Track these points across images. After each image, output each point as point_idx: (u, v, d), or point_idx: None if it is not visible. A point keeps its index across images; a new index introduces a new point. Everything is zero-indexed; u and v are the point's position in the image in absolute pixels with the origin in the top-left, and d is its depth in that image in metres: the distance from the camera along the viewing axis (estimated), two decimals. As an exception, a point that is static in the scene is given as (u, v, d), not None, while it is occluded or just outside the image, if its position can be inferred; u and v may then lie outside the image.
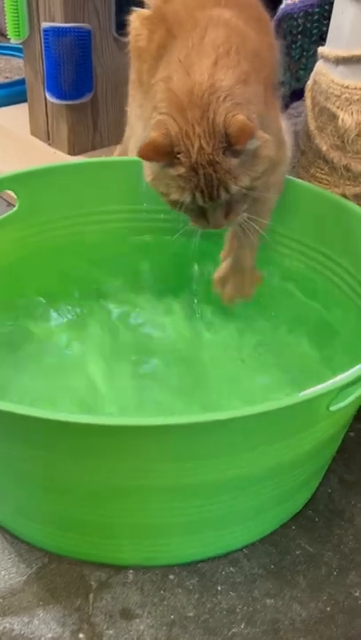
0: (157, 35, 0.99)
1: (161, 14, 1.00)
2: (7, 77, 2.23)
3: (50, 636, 0.80)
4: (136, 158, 1.17)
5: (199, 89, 0.87)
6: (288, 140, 1.08)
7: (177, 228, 1.09)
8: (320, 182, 1.18)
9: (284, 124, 1.07)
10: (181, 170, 0.88)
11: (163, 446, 0.73)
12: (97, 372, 1.06)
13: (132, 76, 1.18)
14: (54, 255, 1.14)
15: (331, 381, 0.73)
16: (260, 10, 1.06)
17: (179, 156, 0.88)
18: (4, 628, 0.81)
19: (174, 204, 0.93)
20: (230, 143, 0.87)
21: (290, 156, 1.10)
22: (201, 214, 0.93)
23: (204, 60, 0.89)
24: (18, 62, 2.31)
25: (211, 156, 0.87)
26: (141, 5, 1.09)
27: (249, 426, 0.73)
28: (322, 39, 1.35)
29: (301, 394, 0.72)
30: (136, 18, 1.08)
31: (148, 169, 0.94)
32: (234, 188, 0.89)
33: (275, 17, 1.55)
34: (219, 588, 0.85)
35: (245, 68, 0.91)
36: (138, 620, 0.82)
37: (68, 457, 0.76)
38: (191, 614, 0.83)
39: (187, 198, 0.90)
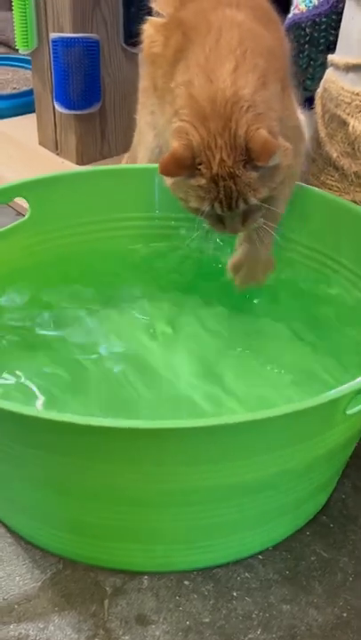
0: (173, 39, 1.00)
1: (177, 20, 1.01)
2: (15, 88, 2.24)
3: (65, 641, 0.80)
4: (146, 165, 1.18)
5: (222, 97, 0.87)
6: (305, 132, 1.09)
7: (189, 234, 1.11)
8: (330, 189, 1.18)
9: (302, 117, 1.07)
10: (202, 181, 0.89)
11: (179, 450, 0.73)
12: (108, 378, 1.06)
13: (144, 83, 1.18)
14: (65, 262, 1.14)
15: (348, 385, 0.73)
16: (271, 11, 1.07)
17: (200, 167, 0.89)
18: (20, 634, 0.80)
19: (193, 210, 0.93)
20: (251, 158, 0.87)
21: (307, 148, 1.11)
22: (219, 220, 0.93)
23: (225, 64, 0.89)
24: (25, 73, 2.32)
25: (231, 169, 0.88)
26: (151, 14, 1.10)
27: (266, 429, 0.73)
28: (329, 49, 1.36)
29: (319, 397, 0.73)
30: (150, 26, 1.08)
31: None
32: (253, 200, 0.90)
33: (282, 26, 1.56)
34: (234, 594, 0.85)
35: (262, 67, 0.91)
36: (153, 626, 0.82)
37: (84, 461, 0.76)
38: (207, 620, 0.82)
39: (206, 207, 0.91)
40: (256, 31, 0.98)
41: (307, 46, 1.67)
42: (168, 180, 0.94)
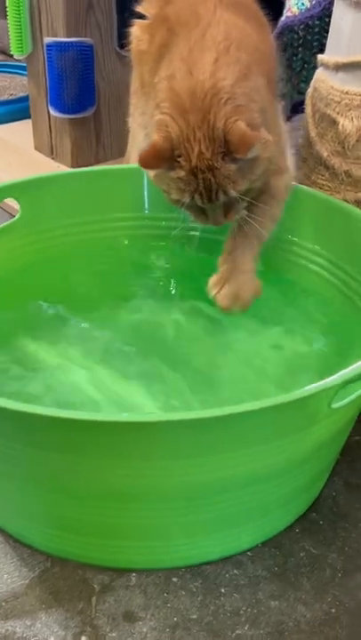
0: (158, 35, 1.00)
1: (162, 17, 1.01)
2: (12, 94, 2.25)
3: (52, 639, 0.80)
4: (135, 165, 1.18)
5: (201, 89, 0.88)
6: (289, 153, 1.09)
7: (179, 233, 1.11)
8: (321, 188, 1.19)
9: (285, 137, 1.07)
10: (181, 173, 0.89)
11: (165, 443, 0.73)
12: (105, 376, 1.05)
13: (134, 84, 1.19)
14: (56, 263, 1.15)
15: (331, 378, 0.73)
16: (260, 13, 1.08)
17: (179, 159, 0.89)
18: (7, 631, 0.80)
19: (175, 202, 0.93)
20: (230, 151, 0.87)
21: (292, 170, 1.10)
22: (201, 212, 0.94)
23: (205, 56, 0.90)
24: (22, 80, 2.33)
25: (210, 162, 0.88)
26: (142, 18, 1.11)
27: (249, 422, 0.72)
28: (322, 51, 1.36)
29: (302, 390, 0.72)
30: (137, 27, 1.10)
31: None
32: (232, 193, 0.90)
33: (275, 30, 1.56)
34: (222, 591, 0.85)
35: (245, 61, 0.91)
36: (141, 623, 0.81)
37: (71, 457, 0.75)
38: (195, 616, 0.82)
39: (186, 199, 0.91)
40: (244, 29, 0.99)
41: (300, 49, 1.68)
42: (150, 173, 0.95)
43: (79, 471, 0.77)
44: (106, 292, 1.17)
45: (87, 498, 0.80)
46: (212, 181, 0.89)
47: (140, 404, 0.98)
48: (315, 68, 1.27)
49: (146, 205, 1.18)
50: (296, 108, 1.50)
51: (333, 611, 0.83)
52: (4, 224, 1.12)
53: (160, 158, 0.89)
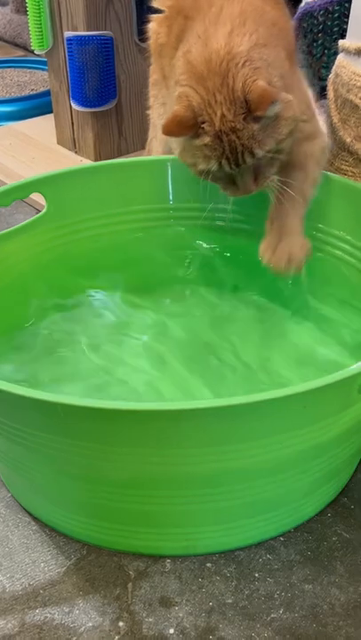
0: (176, 25, 1.01)
1: (177, 8, 1.02)
2: (33, 90, 2.26)
3: (90, 624, 0.81)
4: (159, 157, 1.19)
5: (217, 56, 0.88)
6: (320, 119, 1.09)
7: (203, 223, 1.12)
8: (345, 174, 1.19)
9: (315, 105, 1.07)
10: (207, 139, 0.90)
11: (199, 431, 0.73)
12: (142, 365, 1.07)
13: (154, 76, 1.20)
14: (83, 255, 1.16)
15: (358, 364, 0.74)
16: None
17: (203, 125, 0.90)
18: (45, 617, 0.82)
19: (202, 173, 0.94)
20: (251, 110, 0.88)
21: (325, 134, 1.11)
22: (230, 181, 0.94)
23: (219, 29, 0.91)
24: (43, 75, 2.35)
25: (233, 123, 0.88)
26: (158, 12, 1.11)
27: (278, 409, 0.73)
28: (343, 37, 1.36)
29: (330, 376, 0.73)
30: (154, 22, 1.11)
31: (175, 142, 0.96)
32: (259, 153, 0.90)
33: (295, 16, 1.56)
34: (256, 575, 0.86)
35: (263, 33, 0.92)
36: (177, 608, 0.82)
37: (104, 446, 0.76)
38: (230, 601, 0.83)
39: (213, 166, 0.92)
40: (260, 6, 0.99)
41: (320, 35, 1.68)
42: (176, 149, 0.96)
43: (112, 460, 0.78)
44: (132, 283, 1.18)
45: (121, 486, 0.81)
46: (236, 143, 0.89)
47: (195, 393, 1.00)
48: (335, 53, 1.27)
49: (170, 197, 1.19)
50: (318, 94, 1.50)
51: (367, 593, 0.84)
52: (31, 219, 1.13)
53: (183, 126, 0.89)
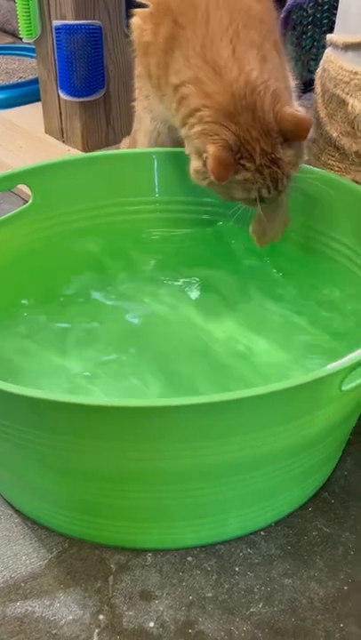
0: (164, 27, 1.00)
1: (164, 7, 1.01)
2: (21, 77, 2.25)
3: (71, 617, 0.81)
4: (145, 150, 1.19)
5: (238, 90, 0.90)
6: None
7: (189, 217, 1.12)
8: (331, 169, 1.19)
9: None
10: (247, 175, 0.92)
11: (179, 427, 0.74)
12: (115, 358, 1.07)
13: (138, 69, 1.19)
14: (68, 247, 1.16)
15: (342, 360, 0.74)
16: None
17: (242, 162, 0.91)
18: (26, 610, 0.82)
19: (236, 200, 0.96)
20: (287, 138, 0.91)
21: None
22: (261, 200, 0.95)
23: (221, 51, 0.91)
24: (31, 62, 2.33)
25: (273, 155, 0.91)
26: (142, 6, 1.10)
27: (259, 406, 0.73)
28: (332, 29, 1.36)
29: (313, 373, 0.73)
30: (138, 17, 1.08)
31: (201, 175, 0.96)
32: (294, 175, 0.94)
33: (284, 8, 1.56)
34: (237, 569, 0.86)
35: (257, 41, 0.94)
36: (157, 601, 0.83)
37: (85, 440, 0.77)
38: (210, 595, 0.84)
39: (253, 195, 0.93)
40: (242, 2, 0.99)
41: (310, 27, 1.68)
42: (203, 180, 0.96)
43: (92, 455, 0.78)
44: (117, 276, 1.18)
45: (101, 481, 0.82)
46: (278, 173, 0.92)
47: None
48: (325, 46, 1.27)
49: (156, 190, 1.18)
50: (306, 87, 1.50)
51: (346, 588, 0.84)
52: (17, 210, 1.12)
53: (229, 166, 0.91)
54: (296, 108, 0.93)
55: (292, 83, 1.06)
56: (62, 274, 1.16)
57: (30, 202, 1.13)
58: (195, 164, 0.96)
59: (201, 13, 0.95)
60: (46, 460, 0.82)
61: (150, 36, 1.04)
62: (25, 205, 1.13)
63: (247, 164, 0.91)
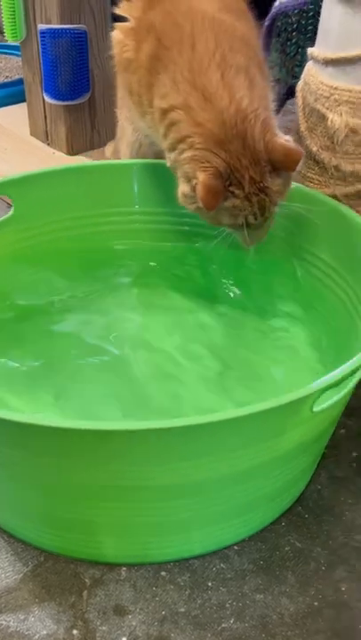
0: (147, 45, 1.00)
1: (146, 24, 1.01)
2: (7, 77, 2.25)
3: (45, 632, 0.83)
4: (126, 161, 1.20)
5: (228, 117, 0.91)
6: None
7: (171, 228, 1.13)
8: (311, 182, 1.20)
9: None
10: (236, 202, 0.93)
11: (147, 449, 0.75)
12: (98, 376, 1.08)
13: (120, 82, 1.19)
14: (47, 258, 1.16)
15: (313, 384, 0.75)
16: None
17: (231, 188, 0.92)
18: (0, 625, 0.83)
19: (224, 225, 0.97)
20: (275, 167, 0.93)
21: None
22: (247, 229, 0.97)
23: (211, 78, 0.93)
24: (18, 61, 2.32)
25: (261, 184, 0.92)
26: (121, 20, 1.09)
27: (231, 428, 0.75)
28: (317, 35, 1.37)
29: (285, 396, 0.75)
30: (119, 31, 1.08)
31: (190, 199, 0.97)
32: (281, 202, 0.95)
33: (268, 16, 1.57)
34: (209, 584, 0.88)
35: (243, 64, 0.95)
36: (130, 616, 0.84)
37: (56, 459, 0.78)
38: (182, 610, 0.85)
39: (240, 221, 0.95)
40: (226, 23, 1.00)
41: (294, 34, 1.68)
42: (191, 205, 0.97)
43: (64, 474, 0.79)
44: (97, 286, 1.19)
45: (74, 499, 0.83)
46: (265, 200, 0.93)
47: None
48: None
49: (136, 200, 1.19)
50: (291, 94, 1.51)
51: (316, 604, 0.86)
52: (-1, 220, 1.13)
53: (219, 195, 0.92)
54: (285, 138, 0.94)
55: (272, 105, 1.05)
56: (41, 284, 1.17)
57: (11, 213, 1.14)
58: (183, 188, 0.97)
59: (186, 35, 0.95)
60: (16, 477, 0.83)
61: (132, 53, 1.04)
62: (6, 216, 1.14)
63: (236, 192, 0.92)
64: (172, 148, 0.97)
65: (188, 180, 0.95)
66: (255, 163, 0.91)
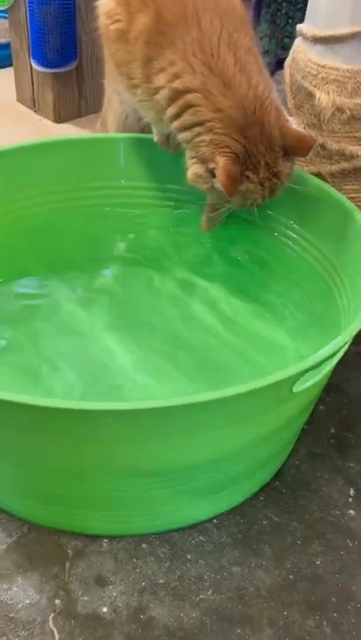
0: (143, 16, 0.98)
1: None
2: (-5, 40, 2.22)
3: (27, 602, 0.85)
4: (111, 135, 1.20)
5: (248, 104, 0.94)
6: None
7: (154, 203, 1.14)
8: (297, 159, 1.20)
9: None
10: (250, 186, 0.96)
11: (133, 428, 0.77)
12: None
13: (107, 53, 1.17)
14: (29, 232, 1.17)
15: (294, 366, 0.77)
16: None
17: (246, 173, 0.95)
18: (-15, 594, 0.86)
19: (230, 204, 1.00)
20: (287, 152, 0.96)
21: None
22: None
23: (226, 60, 0.94)
24: (4, 24, 2.29)
25: (275, 169, 0.95)
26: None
27: (214, 409, 0.76)
28: (305, 6, 1.36)
29: (266, 378, 0.76)
30: (108, 0, 1.04)
31: (202, 179, 0.99)
32: (287, 184, 0.98)
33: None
34: (188, 557, 0.90)
35: (250, 45, 0.97)
36: (111, 587, 0.87)
37: (39, 437, 0.79)
38: (162, 581, 0.87)
39: (249, 203, 0.98)
40: (225, 1, 1.00)
41: (284, 4, 1.68)
42: (204, 184, 0.99)
43: (47, 450, 0.81)
44: (82, 261, 1.20)
45: (58, 474, 0.84)
46: (277, 184, 0.97)
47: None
48: (299, 22, 1.27)
49: (122, 176, 1.20)
50: (281, 64, 1.50)
51: (291, 577, 0.89)
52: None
53: (238, 180, 0.94)
54: (294, 122, 0.97)
55: None
56: (24, 259, 1.17)
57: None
58: (196, 168, 0.98)
59: (190, 12, 0.95)
60: (3, 453, 0.84)
61: (124, 24, 1.02)
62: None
63: (251, 176, 0.95)
64: (184, 129, 0.98)
65: (203, 161, 0.97)
66: (270, 149, 0.94)
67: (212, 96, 0.94)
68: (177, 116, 0.98)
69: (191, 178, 1.00)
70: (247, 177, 0.95)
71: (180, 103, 0.97)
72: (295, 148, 0.96)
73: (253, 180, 0.95)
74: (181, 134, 0.99)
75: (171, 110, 0.99)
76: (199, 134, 0.96)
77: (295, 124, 0.98)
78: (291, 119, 0.98)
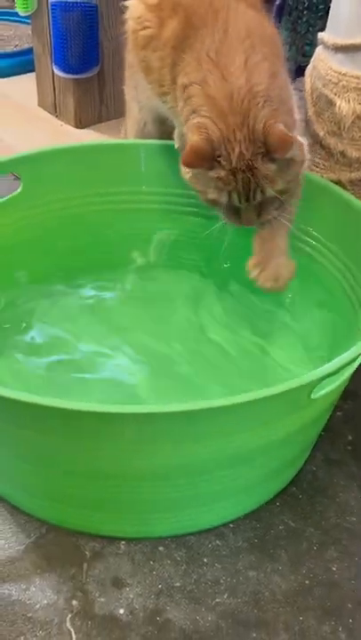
0: (174, 22, 0.99)
1: (172, 1, 1.00)
2: (17, 45, 2.24)
3: (45, 602, 0.86)
4: (132, 141, 1.21)
5: (238, 95, 0.91)
6: (304, 141, 1.10)
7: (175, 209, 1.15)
8: (317, 166, 1.21)
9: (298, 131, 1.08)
10: (221, 173, 0.92)
11: (157, 431, 0.78)
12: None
13: (130, 58, 1.18)
14: (54, 236, 1.18)
15: (313, 372, 0.78)
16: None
17: (219, 159, 0.92)
18: (3, 594, 0.86)
19: (210, 202, 0.97)
20: (269, 151, 0.91)
21: (307, 156, 1.10)
22: (234, 212, 0.96)
23: (235, 59, 0.92)
24: (27, 29, 2.31)
25: (250, 162, 0.91)
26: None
27: (233, 414, 0.77)
28: (327, 14, 1.37)
29: (286, 384, 0.77)
30: (139, 4, 1.06)
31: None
32: (270, 192, 0.93)
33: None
34: (205, 560, 0.91)
35: (270, 57, 0.94)
36: (128, 589, 0.88)
37: (62, 439, 0.81)
38: (178, 584, 0.88)
39: (223, 199, 0.94)
40: (258, 19, 1.00)
41: (305, 12, 1.69)
42: (186, 174, 0.98)
43: (71, 453, 0.82)
44: (100, 265, 1.21)
45: (78, 476, 0.85)
46: (251, 181, 0.92)
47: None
48: (320, 30, 1.28)
49: (143, 180, 1.21)
50: (301, 71, 1.51)
51: (307, 582, 0.89)
52: (6, 197, 1.15)
53: (201, 158, 0.91)
54: (296, 136, 0.94)
55: (298, 116, 1.04)
56: (47, 262, 1.19)
57: (20, 189, 1.15)
58: None
59: (221, 20, 0.95)
60: (26, 455, 0.85)
61: (155, 30, 1.02)
62: (15, 193, 1.15)
63: (223, 162, 0.92)
64: (186, 120, 0.97)
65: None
66: (249, 140, 0.91)
67: (207, 86, 0.93)
68: (182, 109, 0.98)
69: (181, 168, 0.99)
70: (219, 162, 0.92)
71: (184, 96, 0.97)
72: (275, 145, 0.90)
73: (225, 167, 0.91)
74: (184, 127, 0.98)
75: (180, 105, 0.99)
76: (191, 120, 0.95)
77: (298, 138, 0.94)
78: (295, 133, 0.95)
